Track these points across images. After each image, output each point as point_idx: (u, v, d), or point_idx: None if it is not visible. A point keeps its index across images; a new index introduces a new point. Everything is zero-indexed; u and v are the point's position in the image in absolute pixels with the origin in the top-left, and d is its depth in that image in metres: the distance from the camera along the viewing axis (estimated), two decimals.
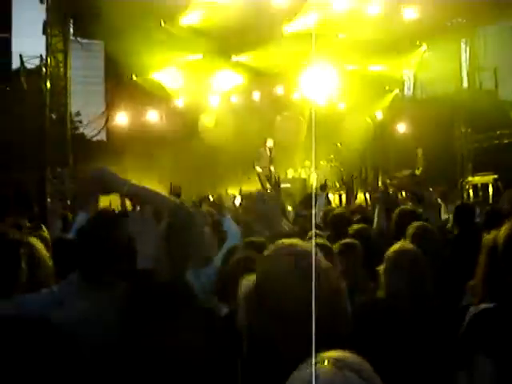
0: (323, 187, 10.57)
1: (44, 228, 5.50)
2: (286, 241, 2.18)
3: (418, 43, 18.89)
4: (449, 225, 6.40)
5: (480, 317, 2.47)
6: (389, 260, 3.53)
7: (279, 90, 19.27)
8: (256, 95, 19.34)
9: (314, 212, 4.73)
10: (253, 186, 11.63)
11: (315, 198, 9.18)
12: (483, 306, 2.55)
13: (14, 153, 14.74)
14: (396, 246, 3.61)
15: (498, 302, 2.49)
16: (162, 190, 4.23)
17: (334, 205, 11.42)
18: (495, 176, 16.02)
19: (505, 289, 2.48)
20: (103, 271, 2.91)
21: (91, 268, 2.95)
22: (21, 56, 15.92)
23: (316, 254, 1.99)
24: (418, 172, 17.09)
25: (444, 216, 7.41)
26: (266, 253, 2.11)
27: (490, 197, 15.33)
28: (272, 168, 16.34)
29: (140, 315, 1.94)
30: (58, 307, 2.75)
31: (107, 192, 2.93)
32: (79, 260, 3.02)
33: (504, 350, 2.24)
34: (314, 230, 2.53)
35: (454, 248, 5.20)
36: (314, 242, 2.19)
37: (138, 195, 2.89)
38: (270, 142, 16.82)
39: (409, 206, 6.77)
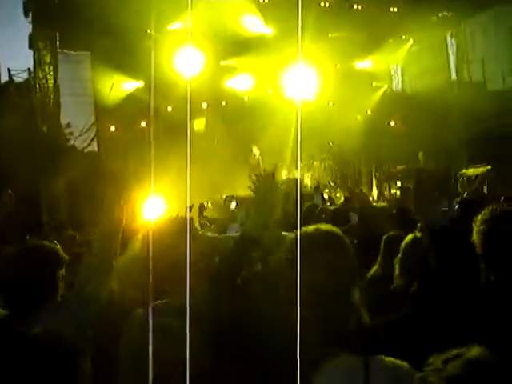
0: (316, 189, 10.69)
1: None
2: None
3: (403, 38, 18.91)
4: None
5: None
6: None
7: (268, 92, 19.22)
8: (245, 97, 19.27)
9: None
10: (248, 191, 11.62)
11: (311, 198, 9.36)
12: None
13: (6, 167, 14.60)
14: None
15: None
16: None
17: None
18: (489, 167, 16.02)
19: None
20: None
21: None
22: (9, 70, 15.87)
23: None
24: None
25: None
26: None
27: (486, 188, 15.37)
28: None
29: None
30: None
31: None
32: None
33: None
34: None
35: None
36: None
37: None
38: (255, 150, 16.81)
39: None
